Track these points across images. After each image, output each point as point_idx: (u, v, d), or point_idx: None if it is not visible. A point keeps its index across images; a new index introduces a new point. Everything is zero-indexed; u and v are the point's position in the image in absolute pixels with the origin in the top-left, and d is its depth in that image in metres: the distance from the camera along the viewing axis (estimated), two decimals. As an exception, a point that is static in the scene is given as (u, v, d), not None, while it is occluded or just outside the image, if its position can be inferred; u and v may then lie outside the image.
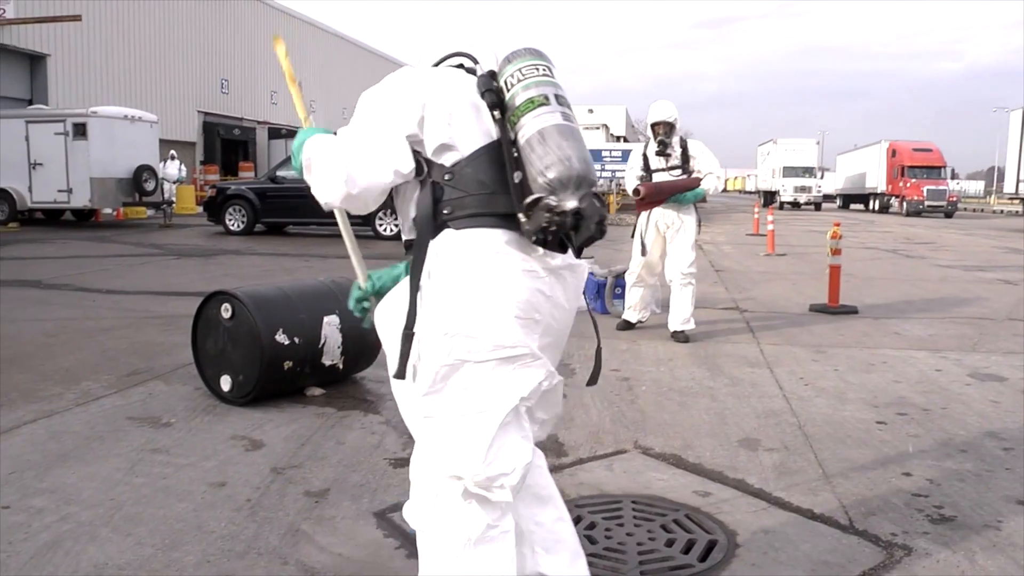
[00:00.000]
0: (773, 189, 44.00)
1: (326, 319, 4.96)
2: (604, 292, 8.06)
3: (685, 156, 6.90)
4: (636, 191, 6.74)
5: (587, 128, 31.29)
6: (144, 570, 2.81)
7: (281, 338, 4.72)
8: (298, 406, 4.76)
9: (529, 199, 1.94)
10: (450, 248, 1.99)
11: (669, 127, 6.87)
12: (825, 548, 3.04)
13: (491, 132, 2.05)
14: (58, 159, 18.77)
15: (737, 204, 49.02)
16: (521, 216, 1.95)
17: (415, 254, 2.04)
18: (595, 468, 3.86)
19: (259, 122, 35.82)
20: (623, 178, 28.22)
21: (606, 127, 33.05)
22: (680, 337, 6.79)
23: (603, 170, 26.25)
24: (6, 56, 23.76)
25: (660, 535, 3.12)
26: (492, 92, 2.07)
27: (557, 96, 2.04)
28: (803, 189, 42.18)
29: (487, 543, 2.06)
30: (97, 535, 3.06)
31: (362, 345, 5.20)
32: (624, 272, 8.25)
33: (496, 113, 2.05)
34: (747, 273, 11.83)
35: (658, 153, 6.91)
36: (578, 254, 2.09)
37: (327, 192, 2.14)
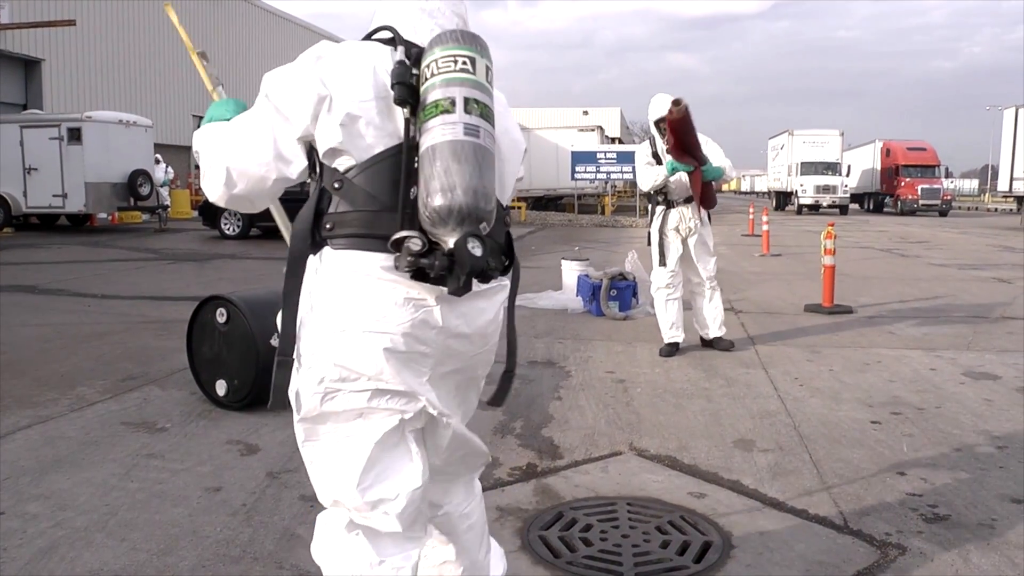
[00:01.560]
0: (788, 189, 37.88)
1: (321, 323, 4.96)
2: (599, 294, 8.06)
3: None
4: (676, 102, 5.72)
5: (582, 130, 31.36)
6: (139, 576, 2.81)
7: (276, 342, 4.70)
8: (293, 410, 4.74)
9: (393, 237, 1.69)
10: (325, 270, 1.80)
11: None
12: (820, 548, 3.05)
13: (399, 134, 1.76)
14: (53, 164, 18.73)
15: (731, 205, 49.14)
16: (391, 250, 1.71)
17: (288, 274, 1.86)
18: (590, 470, 3.86)
19: (254, 126, 35.78)
20: (619, 179, 28.30)
21: (600, 129, 33.08)
22: (723, 344, 6.50)
23: (598, 172, 26.25)
24: (1, 61, 23.74)
25: (655, 537, 3.13)
26: (405, 85, 1.73)
27: (469, 101, 1.69)
28: (826, 189, 35.08)
29: None
30: (92, 540, 3.06)
31: (357, 348, 5.20)
32: (619, 274, 8.27)
33: (406, 112, 1.74)
34: (742, 274, 11.84)
35: (668, 150, 6.26)
36: (485, 280, 1.79)
37: (209, 189, 1.90)
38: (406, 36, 1.85)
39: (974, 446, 4.22)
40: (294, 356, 1.89)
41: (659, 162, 6.30)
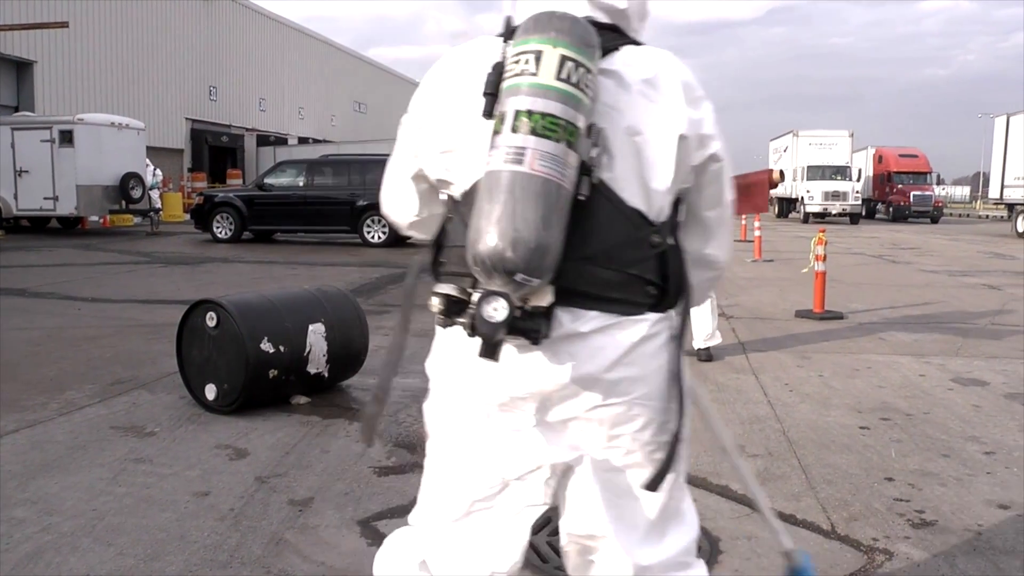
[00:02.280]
0: (793, 196, 34.55)
1: (311, 327, 4.96)
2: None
3: None
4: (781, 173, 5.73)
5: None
6: (126, 580, 2.80)
7: (266, 346, 4.71)
8: (283, 415, 4.75)
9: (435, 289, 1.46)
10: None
11: None
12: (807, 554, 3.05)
13: None
14: (44, 166, 18.69)
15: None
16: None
17: (402, 305, 1.74)
18: (579, 475, 3.86)
19: (247, 129, 35.74)
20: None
21: (594, 133, 33.05)
22: (703, 355, 6.26)
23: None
24: (-8, 63, 23.69)
25: (643, 542, 3.13)
26: (492, 95, 1.44)
27: (519, 115, 1.37)
28: (835, 195, 32.03)
29: None
30: (79, 545, 3.05)
31: (347, 353, 5.21)
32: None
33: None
34: (734, 279, 11.87)
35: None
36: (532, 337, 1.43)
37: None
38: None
39: (962, 452, 4.23)
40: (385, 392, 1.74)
41: None
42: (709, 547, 3.09)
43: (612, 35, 1.53)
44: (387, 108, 49.90)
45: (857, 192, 32.91)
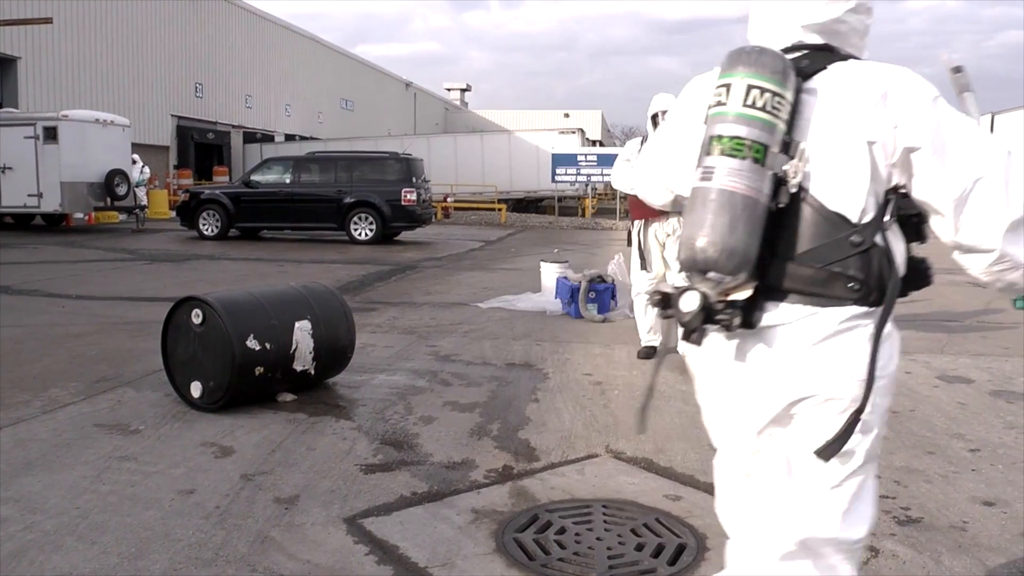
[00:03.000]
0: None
1: (298, 324, 4.94)
2: (578, 297, 8.07)
3: None
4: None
5: (562, 132, 31.45)
6: (109, 579, 2.78)
7: (252, 344, 4.69)
8: (269, 412, 4.73)
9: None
10: None
11: None
12: (793, 550, 3.06)
13: None
14: (28, 163, 18.50)
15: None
16: None
17: None
18: (566, 472, 3.86)
19: (234, 126, 35.56)
20: (599, 181, 28.44)
21: (582, 131, 33.12)
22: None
23: (578, 174, 26.33)
24: (-25, 59, 23.48)
25: (630, 539, 3.13)
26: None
27: (712, 140, 1.64)
28: None
29: None
30: (62, 544, 3.02)
31: (334, 351, 5.19)
32: (598, 276, 8.28)
33: None
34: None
35: None
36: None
37: None
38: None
39: (947, 449, 4.25)
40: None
41: None
42: (696, 545, 3.09)
43: (822, 55, 1.72)
44: (374, 105, 49.80)
45: None
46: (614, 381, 5.60)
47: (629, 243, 6.33)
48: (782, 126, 1.62)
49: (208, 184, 26.23)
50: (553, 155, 26.78)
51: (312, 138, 37.81)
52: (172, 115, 31.89)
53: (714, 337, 1.72)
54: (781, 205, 1.63)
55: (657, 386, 1.93)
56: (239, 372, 4.63)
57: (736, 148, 1.59)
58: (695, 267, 1.62)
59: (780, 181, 1.61)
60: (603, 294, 8.14)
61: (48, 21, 22.16)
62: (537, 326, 7.72)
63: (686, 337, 1.65)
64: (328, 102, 44.95)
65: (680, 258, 1.65)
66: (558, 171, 26.24)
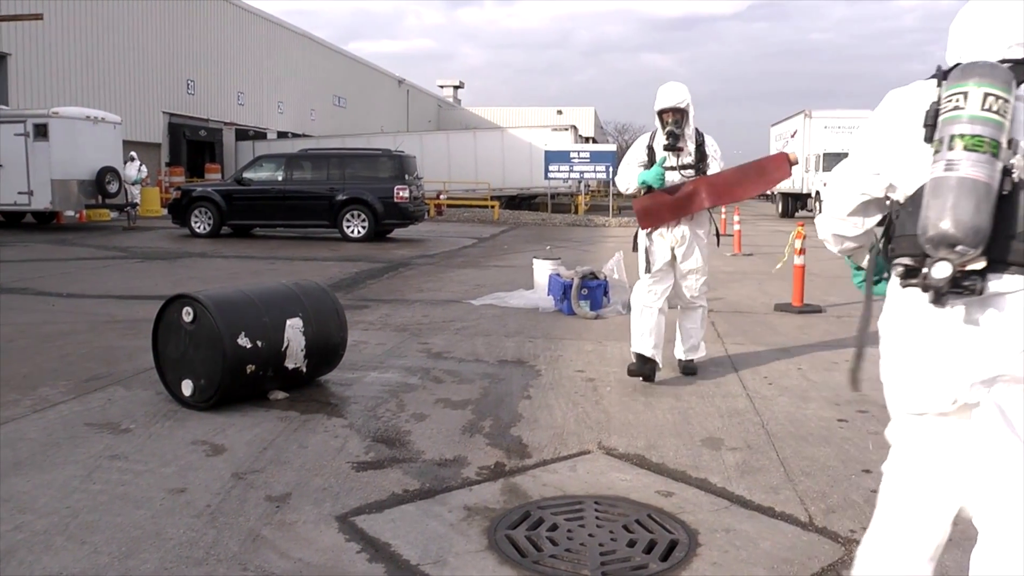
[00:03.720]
0: (804, 190, 28.91)
1: (289, 322, 4.92)
2: (571, 293, 8.07)
3: (701, 154, 5.48)
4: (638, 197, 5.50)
5: (555, 129, 31.44)
6: (99, 579, 2.77)
7: (243, 341, 4.67)
8: (261, 410, 4.71)
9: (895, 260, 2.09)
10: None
11: (680, 114, 5.38)
12: (785, 545, 3.07)
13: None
14: (18, 160, 18.41)
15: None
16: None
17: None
18: (559, 469, 3.86)
19: (226, 123, 35.44)
20: (592, 179, 28.37)
21: (574, 128, 33.14)
22: (690, 367, 5.75)
23: (571, 171, 26.35)
24: (-35, 56, 23.35)
25: (622, 535, 3.13)
26: (931, 126, 2.03)
27: (953, 138, 1.94)
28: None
29: None
30: (52, 544, 3.01)
31: (326, 348, 5.17)
32: (590, 273, 8.28)
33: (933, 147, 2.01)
34: (713, 273, 11.83)
35: (667, 147, 5.41)
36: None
37: None
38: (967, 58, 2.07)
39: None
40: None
41: (652, 160, 5.48)
42: (688, 540, 3.09)
43: (1022, 67, 1.99)
44: (367, 102, 49.70)
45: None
46: (606, 378, 5.60)
47: (635, 248, 5.70)
48: (1007, 125, 1.94)
49: (200, 181, 26.16)
50: (546, 152, 26.79)
51: (305, 135, 37.71)
52: (164, 112, 31.78)
53: (926, 307, 2.03)
54: (1006, 192, 1.92)
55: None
56: (230, 370, 4.62)
57: (977, 144, 1.91)
58: (944, 242, 1.91)
59: (1006, 171, 1.91)
60: (595, 291, 8.14)
61: (38, 17, 22.04)
62: (529, 323, 7.72)
63: (936, 300, 1.97)
64: (321, 99, 44.85)
65: (929, 236, 1.93)
66: (551, 168, 26.26)
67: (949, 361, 2.04)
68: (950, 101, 1.99)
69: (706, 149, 5.49)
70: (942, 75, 2.09)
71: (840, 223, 2.35)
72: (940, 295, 1.97)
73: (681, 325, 5.80)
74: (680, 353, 5.80)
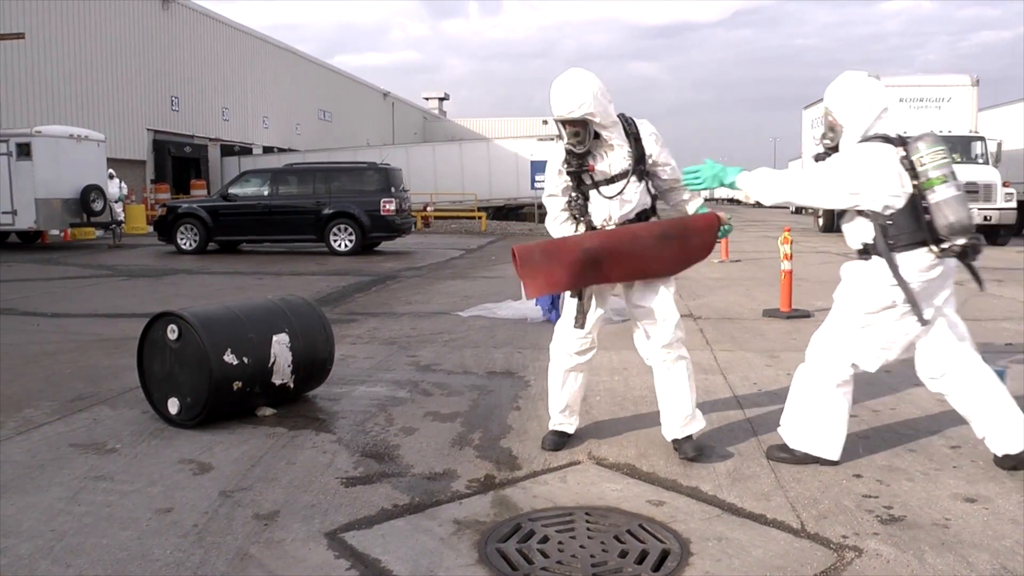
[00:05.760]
0: None
1: (275, 338, 4.89)
2: (559, 303, 8.04)
3: (639, 149, 4.02)
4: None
5: (541, 139, 31.50)
6: (84, 602, 2.73)
7: (230, 358, 4.63)
8: (248, 427, 4.67)
9: (940, 246, 3.68)
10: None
11: (580, 126, 3.95)
12: (777, 552, 3.05)
13: (910, 193, 3.69)
14: (2, 180, 18.32)
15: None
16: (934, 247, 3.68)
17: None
18: (549, 480, 3.84)
19: (211, 139, 35.38)
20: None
21: (560, 138, 33.18)
22: (688, 450, 4.08)
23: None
24: (-54, 76, 23.22)
25: (613, 546, 3.11)
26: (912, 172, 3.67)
27: (949, 175, 3.61)
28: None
29: None
30: (36, 568, 2.96)
31: (313, 363, 5.14)
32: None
33: (915, 181, 3.65)
34: (701, 280, 11.92)
35: (571, 172, 4.06)
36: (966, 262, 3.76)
37: None
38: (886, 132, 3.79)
39: (928, 446, 4.27)
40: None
41: (579, 184, 4.09)
42: (680, 550, 3.08)
43: None
44: (352, 116, 49.68)
45: (1008, 189, 19.38)
46: (595, 387, 5.58)
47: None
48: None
49: (186, 198, 26.06)
50: (532, 162, 26.84)
51: (291, 150, 37.68)
52: (148, 129, 31.70)
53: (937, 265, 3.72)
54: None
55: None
56: (217, 387, 4.58)
57: (955, 175, 3.72)
58: (966, 231, 3.58)
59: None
60: (584, 300, 8.10)
61: (20, 37, 21.97)
62: (518, 334, 7.70)
63: (969, 265, 3.78)
64: (306, 113, 44.84)
65: (950, 225, 3.58)
66: (537, 178, 26.24)
67: (940, 293, 3.85)
68: (937, 155, 3.60)
69: (642, 141, 4.03)
70: (901, 141, 3.70)
71: (807, 204, 4.21)
72: (970, 265, 3.75)
73: (662, 388, 4.17)
74: (675, 429, 4.15)
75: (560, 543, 3.13)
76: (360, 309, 9.45)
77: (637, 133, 4.04)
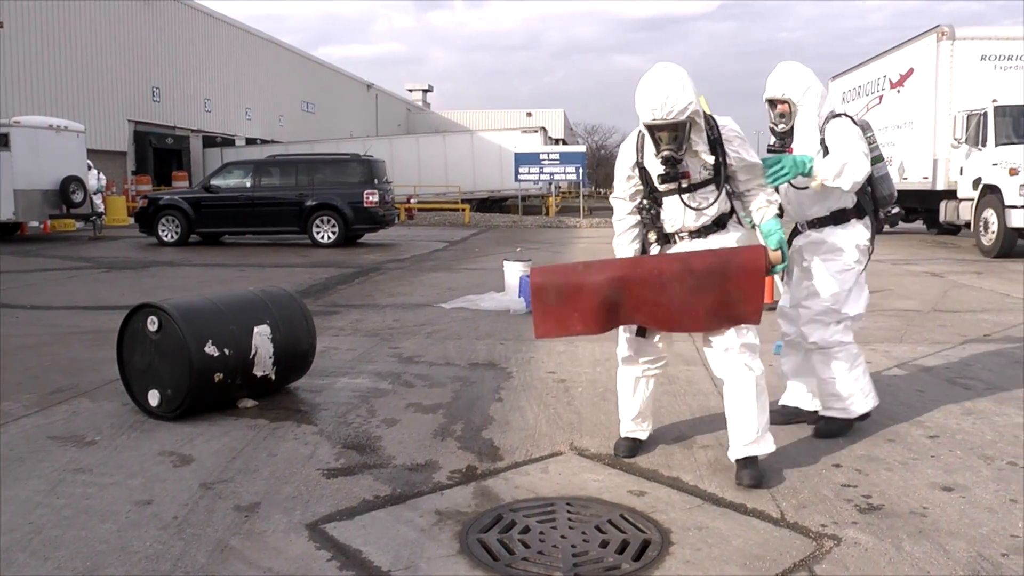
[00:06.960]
0: (941, 185, 16.37)
1: (256, 329, 4.87)
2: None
3: (721, 157, 3.69)
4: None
5: (525, 131, 31.52)
6: (63, 595, 2.71)
7: (210, 350, 4.61)
8: (229, 419, 4.65)
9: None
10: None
11: (679, 129, 3.56)
12: (757, 542, 3.07)
13: None
14: (-21, 172, 18.11)
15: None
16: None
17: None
18: (530, 471, 3.85)
19: (192, 130, 35.12)
20: (562, 180, 28.36)
21: (544, 130, 33.19)
22: (744, 477, 3.63)
23: (541, 173, 26.40)
24: (-78, 66, 22.91)
25: (594, 536, 3.12)
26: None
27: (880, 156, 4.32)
28: None
29: None
30: (14, 561, 2.94)
31: (294, 355, 5.12)
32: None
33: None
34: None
35: (664, 178, 3.66)
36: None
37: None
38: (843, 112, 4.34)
39: (906, 436, 4.30)
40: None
41: (644, 179, 3.81)
42: (661, 539, 3.09)
43: None
44: (335, 108, 49.44)
45: None
46: (578, 378, 5.60)
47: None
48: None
49: (167, 189, 25.88)
50: (516, 154, 26.81)
51: (273, 141, 37.46)
52: (129, 120, 31.41)
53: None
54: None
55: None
56: (197, 379, 4.56)
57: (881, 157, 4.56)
58: (894, 201, 4.51)
59: None
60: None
61: (-2, 26, 21.69)
62: (501, 325, 7.70)
63: (893, 223, 4.77)
64: (289, 105, 44.57)
65: (893, 198, 4.44)
66: (521, 170, 26.28)
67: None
68: (875, 138, 4.24)
69: (725, 145, 3.69)
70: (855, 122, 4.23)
71: (860, 179, 4.04)
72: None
73: (725, 402, 3.86)
74: (733, 449, 3.75)
75: (541, 533, 3.14)
76: (343, 301, 9.42)
77: (719, 137, 3.68)
